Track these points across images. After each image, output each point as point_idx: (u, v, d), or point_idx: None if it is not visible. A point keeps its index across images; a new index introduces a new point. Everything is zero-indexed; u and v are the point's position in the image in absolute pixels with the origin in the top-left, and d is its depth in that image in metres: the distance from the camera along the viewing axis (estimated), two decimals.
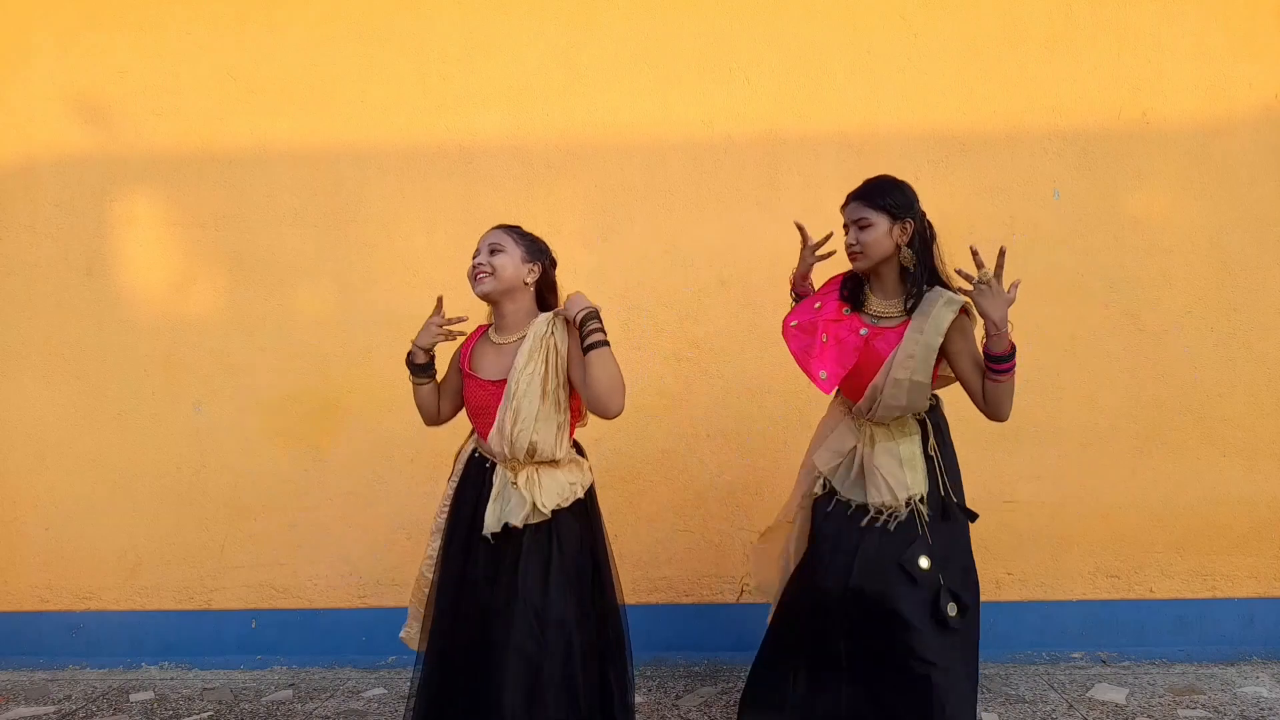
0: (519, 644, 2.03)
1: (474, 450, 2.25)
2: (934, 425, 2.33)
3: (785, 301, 3.32)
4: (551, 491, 2.14)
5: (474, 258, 2.20)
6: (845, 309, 2.34)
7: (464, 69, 3.42)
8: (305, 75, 3.43)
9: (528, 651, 2.03)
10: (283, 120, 3.44)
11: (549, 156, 3.41)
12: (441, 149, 3.42)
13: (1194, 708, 2.90)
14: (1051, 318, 3.35)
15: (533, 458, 2.14)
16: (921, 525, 2.23)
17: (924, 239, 2.28)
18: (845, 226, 2.31)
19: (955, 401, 3.33)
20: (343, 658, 3.44)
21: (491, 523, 2.09)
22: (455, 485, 2.25)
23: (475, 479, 2.20)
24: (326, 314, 3.45)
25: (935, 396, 2.40)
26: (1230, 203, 3.33)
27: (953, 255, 3.33)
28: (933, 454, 2.29)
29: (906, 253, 2.26)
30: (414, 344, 2.29)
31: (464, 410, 2.32)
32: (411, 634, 2.33)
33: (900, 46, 3.36)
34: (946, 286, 2.28)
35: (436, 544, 2.26)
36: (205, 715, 3.02)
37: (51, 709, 3.11)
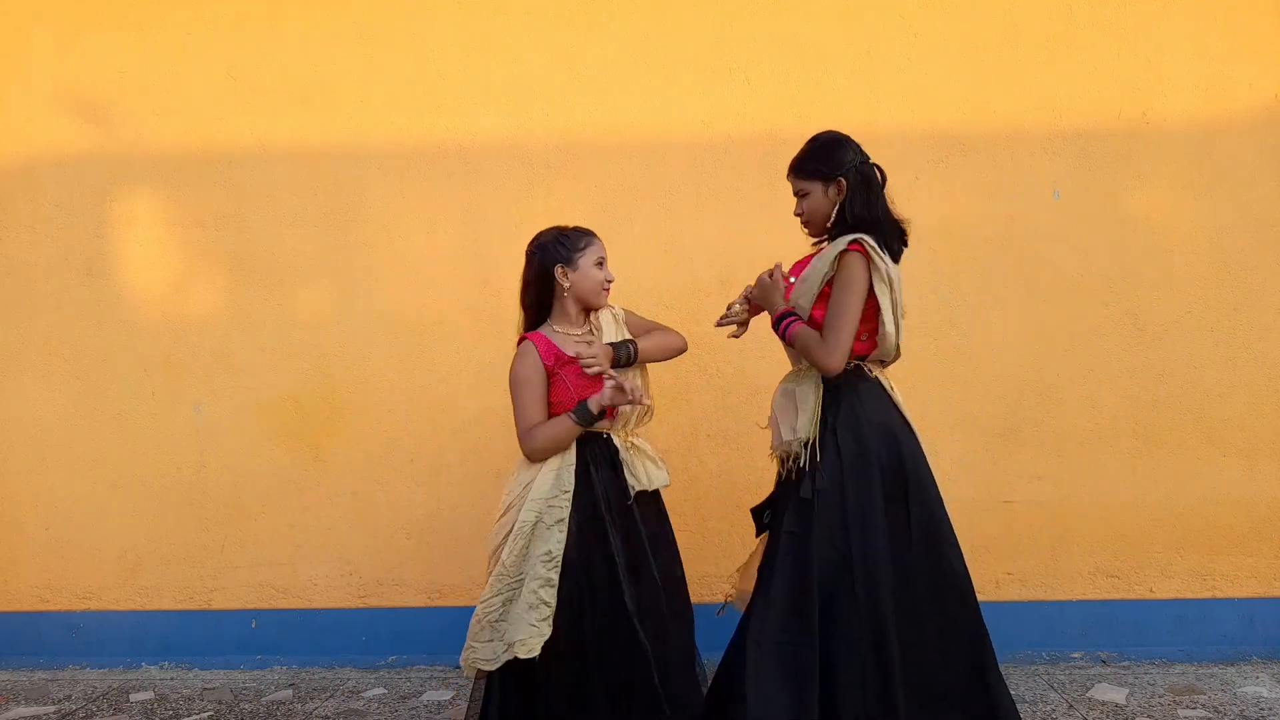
0: (679, 609, 2.31)
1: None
2: (841, 386, 2.20)
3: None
4: (651, 451, 2.39)
5: (603, 270, 2.32)
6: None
7: (464, 69, 3.42)
8: (305, 75, 3.43)
9: (687, 616, 2.35)
10: (283, 120, 3.44)
11: (549, 156, 3.41)
12: (441, 149, 3.42)
13: (1194, 708, 2.90)
14: (1051, 318, 3.35)
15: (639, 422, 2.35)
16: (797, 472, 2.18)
17: (863, 191, 2.22)
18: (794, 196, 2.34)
19: (955, 401, 3.35)
20: (343, 658, 3.44)
21: (647, 481, 2.31)
22: (573, 467, 2.21)
23: (589, 453, 2.25)
24: (326, 314, 3.45)
25: (857, 363, 2.25)
26: (1230, 203, 3.33)
27: (954, 255, 3.36)
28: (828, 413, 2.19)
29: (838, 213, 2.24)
30: (597, 403, 2.19)
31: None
32: (530, 645, 2.10)
33: (900, 46, 3.36)
34: (880, 231, 2.21)
35: (554, 540, 2.15)
36: (205, 715, 3.02)
37: (51, 709, 3.10)
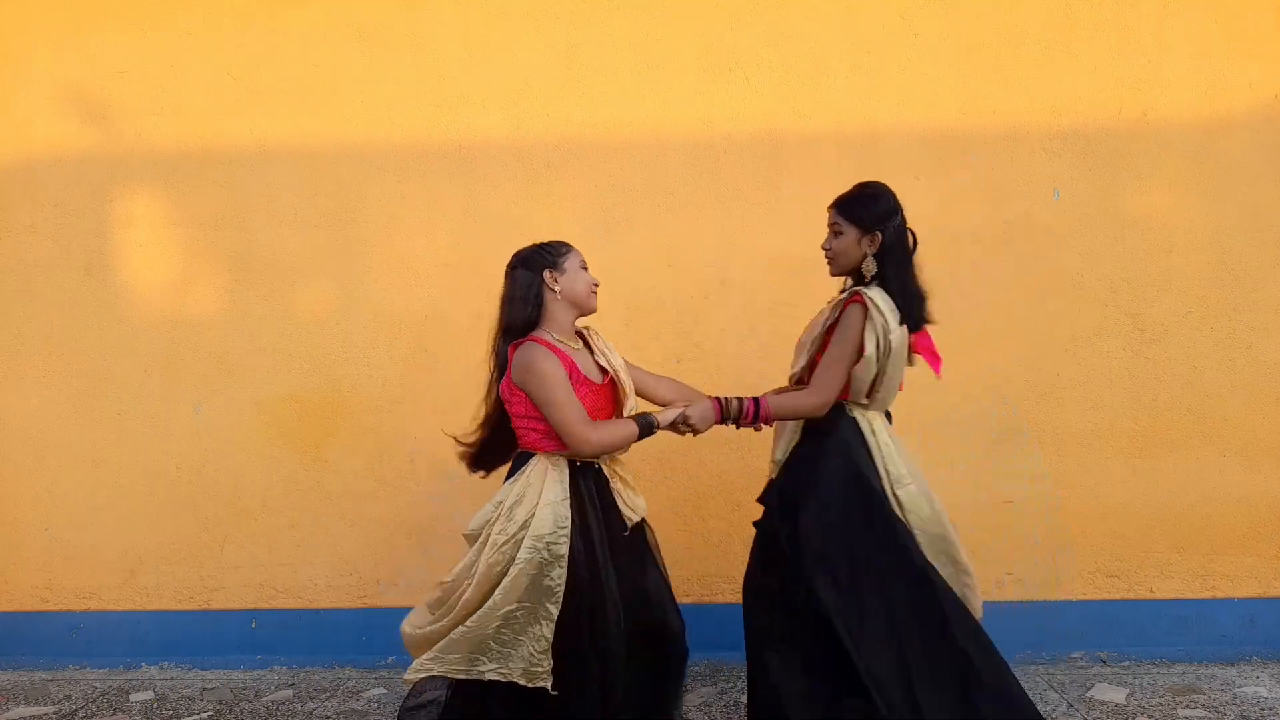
0: (679, 628, 2.37)
1: (573, 462, 2.23)
2: (820, 420, 2.34)
3: (785, 300, 3.34)
4: (630, 480, 2.39)
5: (588, 272, 2.33)
6: None
7: (464, 69, 3.42)
8: (305, 75, 3.43)
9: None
10: (283, 120, 3.44)
11: (549, 156, 3.41)
12: (441, 149, 3.42)
13: (1194, 708, 2.90)
14: (1051, 318, 3.35)
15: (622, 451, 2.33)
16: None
17: (897, 251, 2.33)
18: (828, 227, 2.43)
19: (955, 401, 3.35)
20: (343, 658, 3.44)
21: (640, 509, 2.35)
22: (568, 500, 2.18)
23: (584, 486, 2.23)
24: (326, 314, 3.45)
25: (847, 404, 2.36)
26: (1230, 203, 3.33)
27: (954, 255, 3.36)
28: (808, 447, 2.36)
29: (869, 263, 2.32)
30: (657, 423, 2.28)
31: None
32: (536, 675, 2.10)
33: (900, 46, 3.36)
34: (904, 295, 2.33)
35: (556, 576, 2.13)
36: (205, 715, 3.02)
37: (51, 709, 3.11)
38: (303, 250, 3.44)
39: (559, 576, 2.11)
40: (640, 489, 3.34)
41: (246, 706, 3.08)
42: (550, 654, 2.09)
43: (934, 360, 2.43)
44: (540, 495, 2.16)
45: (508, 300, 2.29)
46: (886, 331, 2.25)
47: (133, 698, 3.19)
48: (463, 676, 2.14)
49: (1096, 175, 3.35)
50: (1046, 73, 3.35)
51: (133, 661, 3.49)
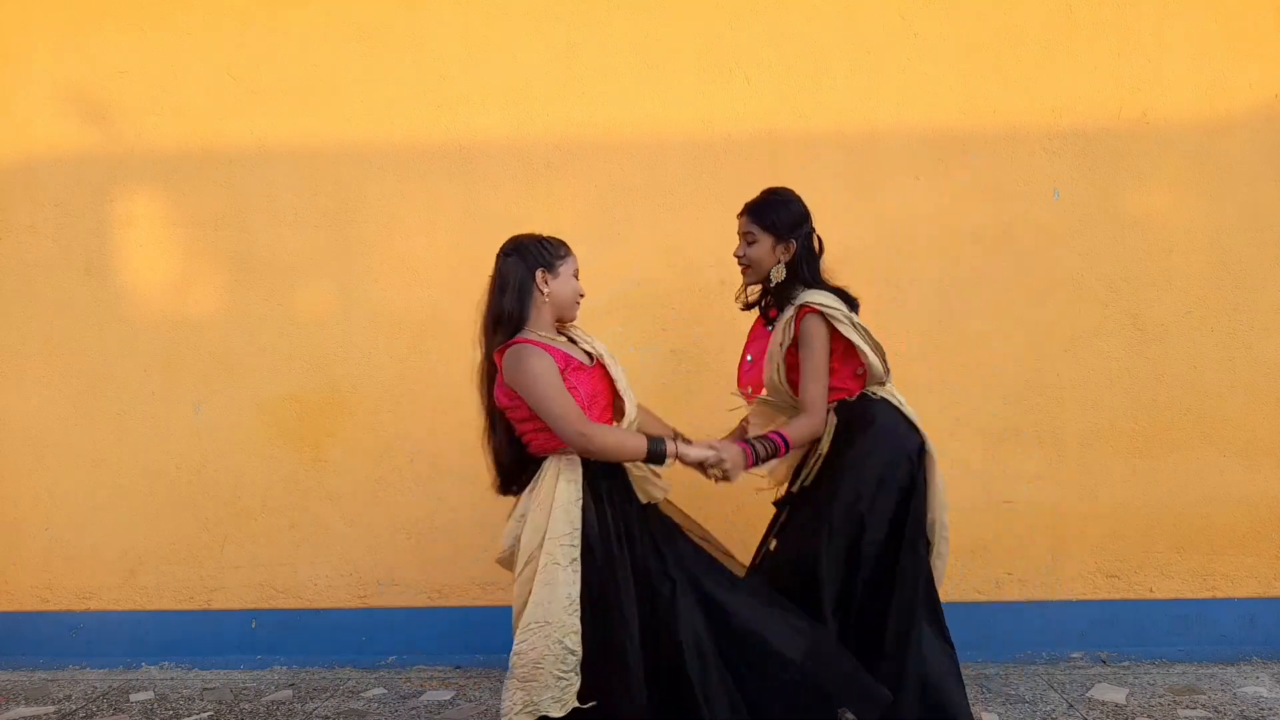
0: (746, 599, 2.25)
1: (587, 461, 2.16)
2: (854, 408, 2.42)
3: None
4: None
5: (578, 282, 2.31)
6: (765, 324, 2.54)
7: (464, 69, 3.42)
8: (305, 75, 3.43)
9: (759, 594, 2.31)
10: (283, 120, 3.44)
11: (549, 156, 3.41)
12: (441, 149, 3.42)
13: (1194, 708, 2.90)
14: (1051, 318, 3.35)
15: None
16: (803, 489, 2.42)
17: (808, 256, 2.42)
18: (739, 235, 2.49)
19: (955, 401, 3.35)
20: (343, 658, 3.44)
21: (659, 492, 2.28)
22: (581, 501, 2.10)
23: (601, 486, 2.16)
24: (326, 314, 3.45)
25: (845, 403, 2.44)
26: (1230, 203, 3.33)
27: (953, 255, 3.36)
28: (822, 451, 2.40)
29: (778, 269, 2.40)
30: (672, 454, 2.19)
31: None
32: (564, 700, 1.98)
33: (900, 46, 3.36)
34: (823, 288, 2.40)
35: (572, 573, 2.04)
36: (205, 715, 3.02)
37: (51, 709, 3.11)
38: (303, 250, 3.44)
39: (574, 582, 2.02)
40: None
41: (246, 706, 3.08)
42: (579, 671, 1.97)
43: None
44: (554, 498, 2.08)
45: (498, 289, 2.22)
46: (851, 319, 2.35)
47: (133, 698, 3.19)
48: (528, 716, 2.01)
49: (1096, 175, 3.34)
50: (1046, 73, 3.34)
51: (133, 661, 3.49)
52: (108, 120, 3.46)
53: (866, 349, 2.36)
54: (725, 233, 3.39)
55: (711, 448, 2.24)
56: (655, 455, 2.14)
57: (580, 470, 2.14)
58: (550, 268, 2.23)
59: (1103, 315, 3.35)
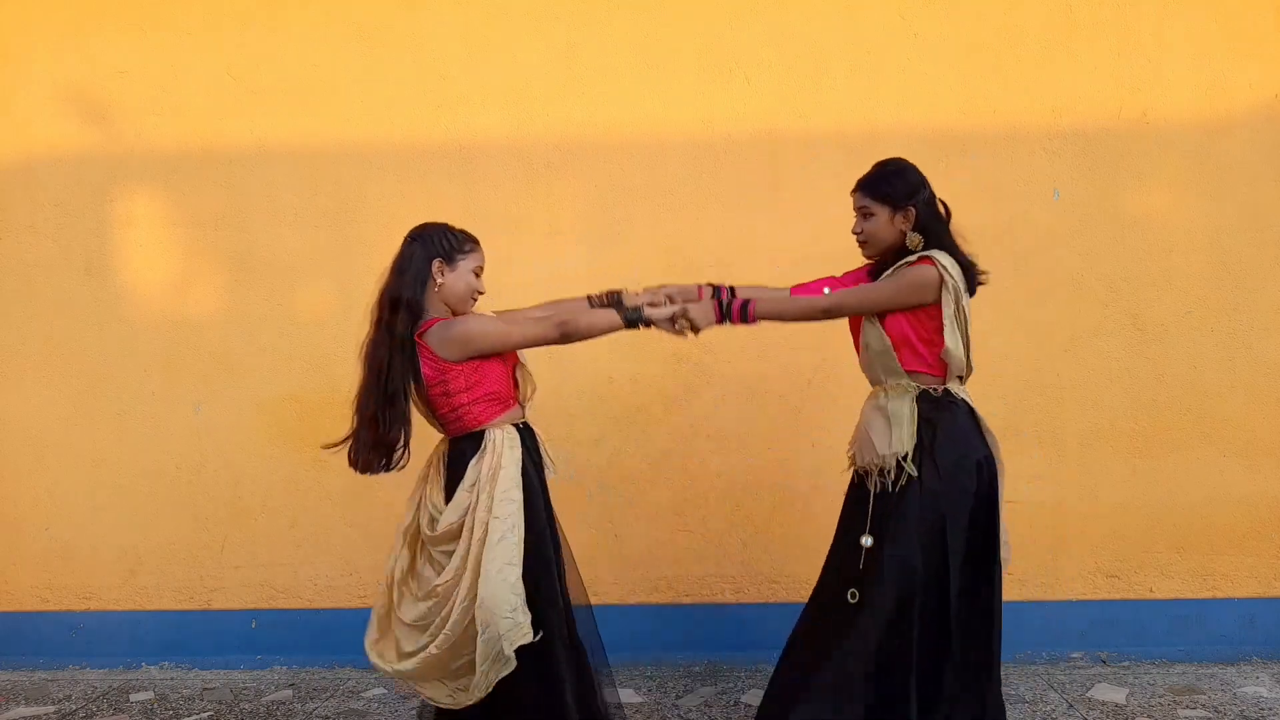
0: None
1: (513, 424, 2.27)
2: (936, 405, 2.26)
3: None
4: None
5: (479, 280, 2.30)
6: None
7: (464, 69, 3.42)
8: (305, 75, 3.43)
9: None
10: (283, 120, 3.44)
11: (549, 156, 3.41)
12: (441, 149, 3.42)
13: (1194, 708, 2.90)
14: (1051, 318, 3.35)
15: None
16: (889, 488, 2.22)
17: (933, 222, 2.29)
18: (855, 211, 2.37)
19: None
20: (343, 658, 3.44)
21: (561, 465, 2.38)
22: (518, 469, 2.21)
23: (528, 448, 2.28)
24: (326, 314, 3.45)
25: (934, 379, 2.28)
26: (1230, 203, 3.33)
27: None
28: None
29: (914, 237, 2.27)
30: (646, 319, 2.25)
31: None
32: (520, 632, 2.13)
33: (900, 46, 3.36)
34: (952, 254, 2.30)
35: (517, 536, 2.17)
36: (205, 715, 3.02)
37: (51, 709, 3.11)
38: (303, 250, 3.44)
39: (518, 535, 2.15)
40: (637, 489, 3.40)
41: (246, 706, 3.08)
42: (526, 607, 2.11)
43: None
44: (502, 460, 2.18)
45: (397, 270, 2.24)
46: (960, 297, 2.22)
47: (133, 698, 3.19)
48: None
49: (1096, 175, 3.34)
50: (1046, 73, 3.34)
51: (133, 661, 3.49)
52: (108, 120, 3.46)
53: (957, 333, 2.21)
54: (725, 233, 3.41)
55: (673, 300, 2.32)
56: (631, 322, 2.22)
57: (516, 434, 2.24)
58: (449, 259, 2.23)
59: (1103, 315, 3.35)
